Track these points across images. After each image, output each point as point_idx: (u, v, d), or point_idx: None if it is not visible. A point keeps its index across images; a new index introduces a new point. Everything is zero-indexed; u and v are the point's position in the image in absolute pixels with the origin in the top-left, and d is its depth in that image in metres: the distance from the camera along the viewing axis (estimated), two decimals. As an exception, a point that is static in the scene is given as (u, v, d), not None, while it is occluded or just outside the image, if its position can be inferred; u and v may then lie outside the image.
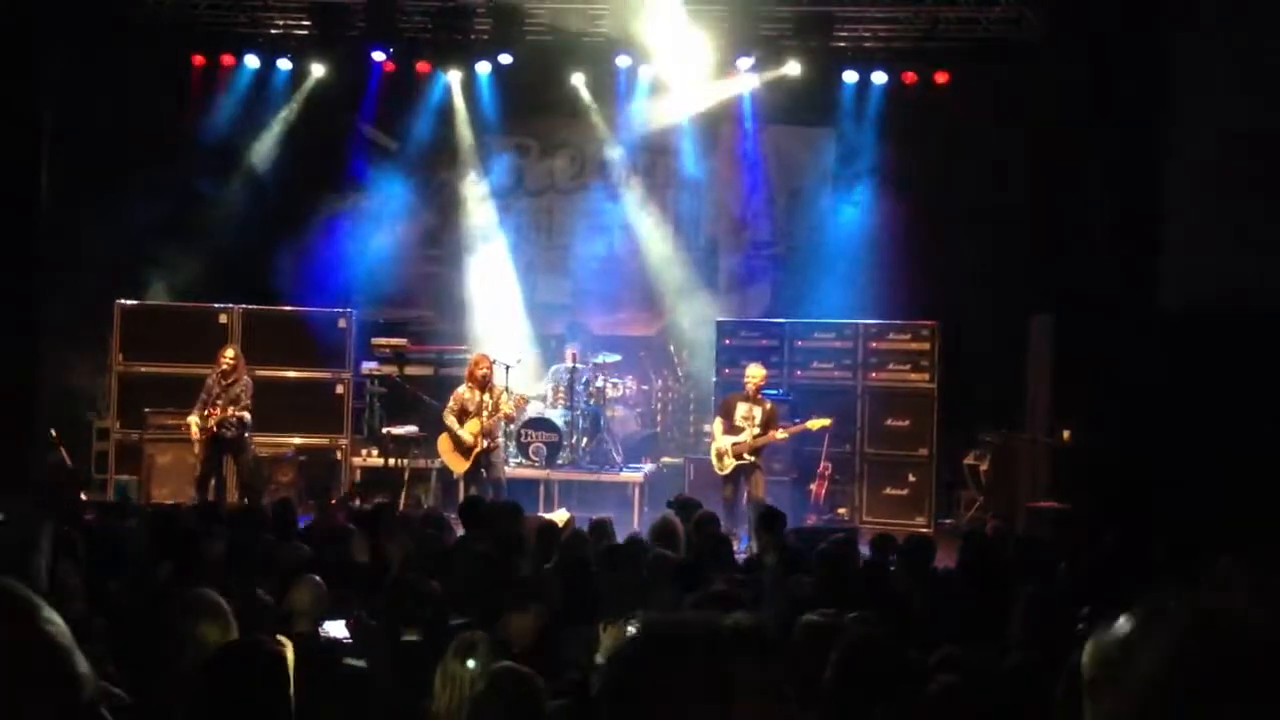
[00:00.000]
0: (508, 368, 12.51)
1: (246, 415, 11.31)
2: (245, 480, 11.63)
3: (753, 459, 11.29)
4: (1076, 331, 11.10)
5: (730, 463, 11.34)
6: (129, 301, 13.02)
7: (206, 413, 11.28)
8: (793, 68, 13.68)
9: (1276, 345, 10.14)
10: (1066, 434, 11.02)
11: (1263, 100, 10.75)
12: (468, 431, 11.51)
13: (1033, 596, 4.76)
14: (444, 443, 11.74)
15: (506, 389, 12.12)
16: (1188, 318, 11.00)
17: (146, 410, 12.38)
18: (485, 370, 11.67)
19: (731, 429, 11.44)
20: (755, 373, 11.63)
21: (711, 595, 4.78)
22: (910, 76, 13.79)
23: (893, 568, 7.04)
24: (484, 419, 11.50)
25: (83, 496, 11.42)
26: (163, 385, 12.51)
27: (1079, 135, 12.98)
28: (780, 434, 11.42)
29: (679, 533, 7.41)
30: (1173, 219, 12.33)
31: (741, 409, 11.47)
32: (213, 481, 11.42)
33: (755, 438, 11.29)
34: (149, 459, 12.36)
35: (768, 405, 11.52)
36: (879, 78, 13.87)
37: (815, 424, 11.55)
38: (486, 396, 11.59)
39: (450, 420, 11.63)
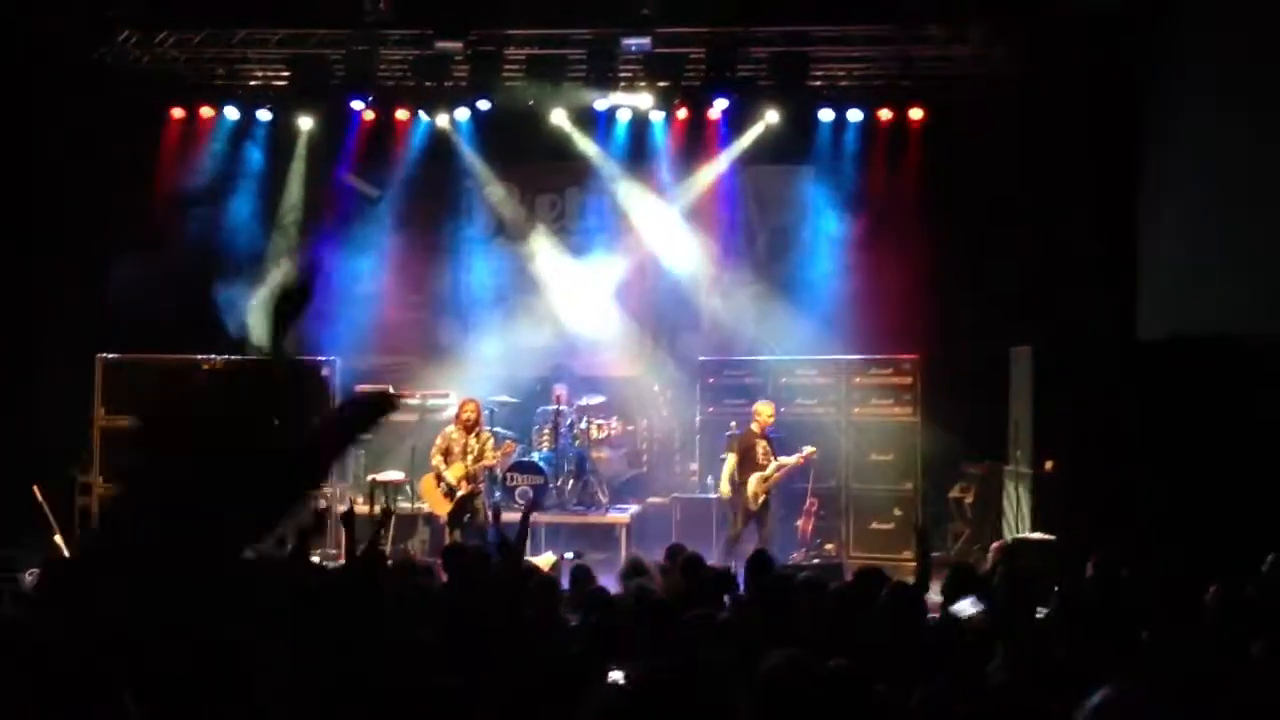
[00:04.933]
0: (491, 411, 12.48)
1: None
2: None
3: (768, 494, 11.53)
4: (1057, 362, 11.15)
5: (762, 500, 11.51)
6: (110, 355, 12.96)
7: None
8: (771, 116, 13.85)
9: (1253, 372, 10.20)
10: (1049, 464, 11.03)
11: (1238, 131, 10.84)
12: (451, 474, 11.49)
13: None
14: (427, 483, 11.70)
15: (494, 434, 12.10)
16: (1166, 347, 11.07)
17: (130, 463, 12.30)
18: (470, 414, 11.65)
19: (756, 467, 11.55)
20: (765, 409, 11.82)
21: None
22: (886, 114, 13.93)
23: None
24: (468, 464, 11.47)
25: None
26: (146, 437, 12.40)
27: (1055, 168, 13.09)
28: (799, 457, 11.63)
29: (649, 569, 7.45)
30: (1150, 249, 12.44)
31: (761, 445, 11.64)
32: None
33: (777, 470, 11.51)
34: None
35: (769, 439, 11.75)
36: (855, 115, 14.00)
37: (810, 450, 11.81)
38: (472, 440, 11.57)
39: (436, 459, 11.60)
